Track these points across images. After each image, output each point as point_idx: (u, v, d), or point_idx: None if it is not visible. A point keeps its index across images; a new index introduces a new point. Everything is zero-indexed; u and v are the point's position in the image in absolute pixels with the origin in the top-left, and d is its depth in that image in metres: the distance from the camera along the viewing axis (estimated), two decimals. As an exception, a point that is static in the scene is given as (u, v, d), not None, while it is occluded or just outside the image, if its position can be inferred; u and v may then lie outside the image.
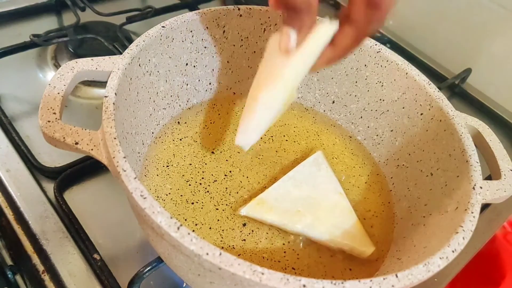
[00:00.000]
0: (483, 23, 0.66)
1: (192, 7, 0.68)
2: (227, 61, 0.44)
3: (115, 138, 0.28)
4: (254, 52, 0.44)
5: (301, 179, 0.39)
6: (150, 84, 0.38)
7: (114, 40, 0.56)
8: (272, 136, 0.44)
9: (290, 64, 0.29)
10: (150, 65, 0.37)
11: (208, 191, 0.38)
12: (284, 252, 0.36)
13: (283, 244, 0.36)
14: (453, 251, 0.28)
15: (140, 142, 0.38)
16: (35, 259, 0.39)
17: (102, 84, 0.53)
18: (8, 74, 0.53)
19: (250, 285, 0.24)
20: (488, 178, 0.36)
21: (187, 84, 0.43)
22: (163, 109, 0.41)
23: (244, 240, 0.36)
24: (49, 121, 0.30)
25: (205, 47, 0.42)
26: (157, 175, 0.38)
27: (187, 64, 0.42)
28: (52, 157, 0.45)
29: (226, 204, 0.38)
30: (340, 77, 0.45)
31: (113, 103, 0.30)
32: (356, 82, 0.44)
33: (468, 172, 0.34)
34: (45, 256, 0.38)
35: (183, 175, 0.39)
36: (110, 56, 0.34)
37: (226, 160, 0.41)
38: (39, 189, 0.42)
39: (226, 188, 0.39)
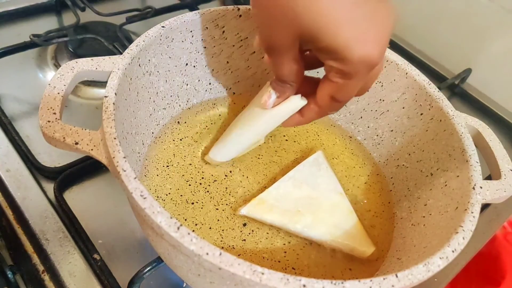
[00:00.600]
0: (483, 23, 0.66)
1: (192, 7, 0.68)
2: (227, 62, 0.44)
3: (115, 138, 0.28)
4: (254, 52, 0.44)
5: (301, 179, 0.39)
6: (150, 84, 0.38)
7: (114, 40, 0.56)
8: (272, 136, 0.44)
9: (263, 118, 0.36)
10: (150, 65, 0.37)
11: (208, 191, 0.38)
12: (284, 252, 0.36)
13: (283, 244, 0.36)
14: (453, 251, 0.28)
15: (140, 142, 0.38)
16: (35, 259, 0.39)
17: (102, 84, 0.53)
18: (8, 74, 0.53)
19: (250, 285, 0.24)
20: (488, 178, 0.36)
21: (187, 84, 0.43)
22: (163, 109, 0.41)
23: (244, 240, 0.36)
24: (49, 121, 0.30)
25: (205, 47, 0.42)
26: (157, 175, 0.38)
27: (187, 64, 0.42)
28: (52, 157, 0.45)
29: (226, 204, 0.38)
30: (340, 77, 0.45)
31: (113, 103, 0.30)
32: (356, 82, 0.44)
33: (468, 172, 0.34)
34: (45, 256, 0.38)
35: (183, 175, 0.39)
36: (110, 56, 0.34)
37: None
38: (39, 189, 0.42)
39: (226, 188, 0.39)
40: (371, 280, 0.24)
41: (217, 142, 0.40)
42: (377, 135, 0.44)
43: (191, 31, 0.40)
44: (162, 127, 0.41)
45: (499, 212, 0.52)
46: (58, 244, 0.38)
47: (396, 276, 0.25)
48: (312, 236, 0.36)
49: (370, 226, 0.39)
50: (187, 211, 0.36)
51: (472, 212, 0.30)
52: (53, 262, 0.37)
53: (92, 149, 0.29)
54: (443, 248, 0.28)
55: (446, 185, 0.36)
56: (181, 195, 0.37)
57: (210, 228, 0.36)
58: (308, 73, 0.34)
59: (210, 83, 0.45)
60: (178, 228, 0.24)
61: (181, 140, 0.41)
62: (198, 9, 0.68)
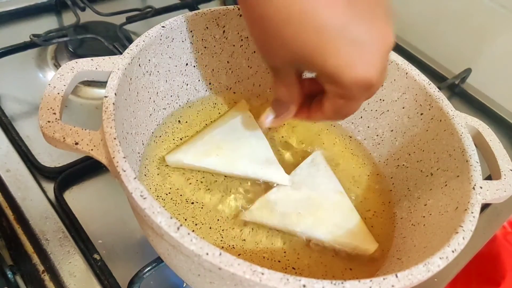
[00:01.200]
0: (483, 23, 0.66)
1: (192, 7, 0.68)
2: (227, 61, 0.44)
3: (115, 138, 0.28)
4: (254, 52, 0.44)
5: (300, 181, 0.39)
6: (150, 84, 0.38)
7: (114, 40, 0.56)
8: (272, 136, 0.44)
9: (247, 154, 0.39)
10: (150, 65, 0.37)
11: (208, 191, 0.38)
12: (284, 252, 0.36)
13: (283, 244, 0.36)
14: (453, 251, 0.28)
15: (140, 142, 0.38)
16: (35, 259, 0.39)
17: (102, 84, 0.53)
18: (8, 74, 0.53)
19: (250, 285, 0.24)
20: (488, 178, 0.36)
21: (187, 84, 0.43)
22: (163, 109, 0.41)
23: (244, 240, 0.36)
24: (49, 121, 0.30)
25: (205, 47, 0.42)
26: (157, 174, 0.38)
27: (187, 64, 0.42)
28: (52, 157, 0.45)
29: (226, 204, 0.37)
30: (340, 77, 0.45)
31: (113, 103, 0.30)
32: (356, 82, 0.44)
33: (468, 172, 0.34)
34: (45, 256, 0.38)
35: (183, 174, 0.39)
36: (110, 56, 0.34)
37: (226, 160, 0.41)
38: (39, 189, 0.42)
39: (226, 188, 0.39)
40: (371, 280, 0.24)
41: (185, 146, 0.40)
42: (377, 135, 0.44)
43: (191, 31, 0.40)
44: (162, 127, 0.41)
45: (499, 212, 0.52)
46: (58, 244, 0.38)
47: (396, 276, 0.25)
48: (314, 237, 0.36)
49: (370, 226, 0.39)
50: (187, 211, 0.36)
51: (472, 212, 0.30)
52: (53, 262, 0.37)
53: (92, 149, 0.29)
54: (443, 248, 0.28)
55: (446, 185, 0.36)
56: (181, 195, 0.37)
57: (210, 228, 0.36)
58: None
59: (210, 83, 0.45)
60: (178, 228, 0.24)
61: (181, 139, 0.41)
62: (198, 8, 0.68)
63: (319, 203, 0.38)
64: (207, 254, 0.24)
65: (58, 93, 0.31)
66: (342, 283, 0.24)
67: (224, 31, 0.42)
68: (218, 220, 0.36)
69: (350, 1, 0.26)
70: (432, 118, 0.39)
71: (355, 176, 0.43)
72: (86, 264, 0.38)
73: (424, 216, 0.36)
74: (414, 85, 0.41)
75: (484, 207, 0.52)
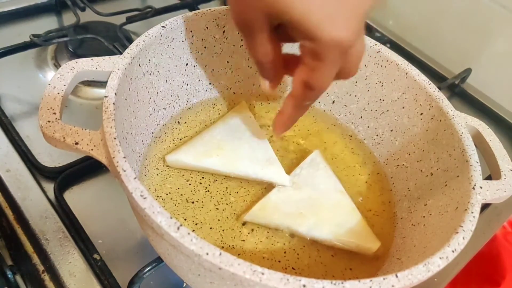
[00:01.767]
0: (483, 23, 0.66)
1: (192, 7, 0.68)
2: (227, 61, 0.44)
3: (115, 138, 0.28)
4: (254, 52, 0.44)
5: (300, 181, 0.39)
6: (150, 84, 0.38)
7: (114, 40, 0.56)
8: (272, 136, 0.44)
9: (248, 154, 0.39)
10: (150, 65, 0.37)
11: (208, 191, 0.38)
12: (284, 252, 0.36)
13: (283, 244, 0.36)
14: (453, 251, 0.28)
15: (140, 142, 0.38)
16: (35, 259, 0.39)
17: (102, 84, 0.53)
18: (8, 74, 0.53)
19: (250, 285, 0.24)
20: (488, 178, 0.36)
21: (187, 84, 0.43)
22: (163, 109, 0.41)
23: (244, 240, 0.36)
24: (49, 121, 0.30)
25: (205, 47, 0.42)
26: (157, 174, 0.38)
27: (187, 64, 0.42)
28: (52, 157, 0.45)
29: (226, 204, 0.37)
30: (340, 77, 0.45)
31: (113, 103, 0.30)
32: (356, 82, 0.44)
33: (468, 172, 0.34)
34: (45, 256, 0.38)
35: (183, 175, 0.39)
36: (110, 56, 0.34)
37: (226, 160, 0.41)
38: (39, 189, 0.42)
39: (226, 188, 0.39)
40: (371, 280, 0.24)
41: (185, 146, 0.40)
42: (377, 135, 0.44)
43: (191, 31, 0.40)
44: (162, 127, 0.41)
45: (499, 212, 0.52)
46: (58, 244, 0.38)
47: (396, 276, 0.25)
48: (317, 237, 0.36)
49: (370, 226, 0.39)
50: (187, 211, 0.36)
51: (472, 212, 0.30)
52: (53, 262, 0.37)
53: (92, 149, 0.29)
54: (443, 248, 0.28)
55: (446, 185, 0.36)
56: (181, 195, 0.37)
57: (210, 228, 0.36)
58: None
59: (210, 83, 0.45)
60: (178, 228, 0.24)
61: (181, 140, 0.41)
62: (198, 8, 0.68)
63: (321, 203, 0.38)
64: (207, 254, 0.24)
65: (58, 93, 0.31)
66: (342, 283, 0.24)
67: (224, 31, 0.42)
68: (218, 220, 0.36)
69: None
70: (432, 118, 0.39)
71: (355, 175, 0.43)
72: (86, 264, 0.38)
73: (424, 216, 0.36)
74: (414, 85, 0.41)
75: (484, 207, 0.52)
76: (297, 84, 0.31)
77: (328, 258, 0.36)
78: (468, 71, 0.68)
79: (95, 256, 0.38)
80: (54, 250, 0.38)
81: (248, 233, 0.36)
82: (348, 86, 0.45)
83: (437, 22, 0.71)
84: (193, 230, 0.35)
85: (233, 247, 0.35)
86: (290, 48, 0.34)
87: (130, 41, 0.57)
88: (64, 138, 0.29)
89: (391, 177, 0.43)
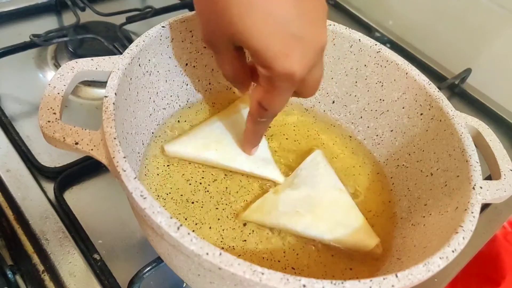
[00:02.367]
0: (483, 23, 0.66)
1: (192, 7, 0.68)
2: (227, 61, 0.44)
3: (115, 138, 0.28)
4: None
5: (300, 180, 0.39)
6: (150, 84, 0.38)
7: (114, 40, 0.56)
8: (272, 136, 0.44)
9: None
10: (150, 65, 0.37)
11: (208, 191, 0.38)
12: (284, 252, 0.36)
13: (283, 244, 0.36)
14: (453, 251, 0.28)
15: (140, 142, 0.38)
16: (35, 259, 0.39)
17: (102, 84, 0.53)
18: (8, 74, 0.53)
19: (250, 285, 0.24)
20: (488, 178, 0.36)
21: (187, 84, 0.43)
22: (163, 109, 0.41)
23: (245, 240, 0.36)
24: (49, 121, 0.30)
25: (205, 47, 0.42)
26: (158, 174, 0.38)
27: (187, 64, 0.42)
28: (52, 157, 0.45)
29: (226, 204, 0.37)
30: (340, 77, 0.45)
31: (113, 103, 0.30)
32: (356, 82, 0.44)
33: (468, 172, 0.34)
34: (45, 256, 0.38)
35: (183, 174, 0.39)
36: (110, 56, 0.34)
37: (226, 160, 0.41)
38: (39, 189, 0.42)
39: (226, 187, 0.39)
40: (371, 280, 0.24)
41: (183, 138, 0.41)
42: (377, 135, 0.44)
43: (191, 31, 0.40)
44: (162, 127, 0.41)
45: (499, 212, 0.52)
46: (58, 244, 0.38)
47: (396, 276, 0.25)
48: (313, 235, 0.36)
49: (371, 226, 0.39)
50: (188, 210, 0.36)
51: (472, 212, 0.30)
52: (53, 262, 0.37)
53: (92, 149, 0.29)
54: (443, 248, 0.28)
55: (446, 185, 0.36)
56: (182, 195, 0.37)
57: (210, 228, 0.36)
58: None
59: (210, 83, 0.45)
60: (178, 228, 0.24)
61: (181, 140, 0.41)
62: (198, 9, 0.68)
63: (318, 201, 0.38)
64: (207, 254, 0.24)
65: (58, 93, 0.31)
66: (342, 283, 0.24)
67: (224, 31, 0.42)
68: (218, 219, 0.36)
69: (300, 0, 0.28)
70: (432, 118, 0.39)
71: (355, 175, 0.43)
72: (86, 264, 0.38)
73: (424, 216, 0.36)
74: (414, 85, 0.41)
75: (484, 207, 0.52)
76: (253, 102, 0.33)
77: (328, 258, 0.36)
78: (468, 71, 0.68)
79: (95, 256, 0.38)
80: (54, 250, 0.38)
81: (248, 234, 0.36)
82: (348, 86, 0.45)
83: (437, 22, 0.71)
84: (193, 230, 0.35)
85: (233, 248, 0.35)
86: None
87: (130, 41, 0.57)
88: (64, 138, 0.30)
89: (391, 177, 0.43)
